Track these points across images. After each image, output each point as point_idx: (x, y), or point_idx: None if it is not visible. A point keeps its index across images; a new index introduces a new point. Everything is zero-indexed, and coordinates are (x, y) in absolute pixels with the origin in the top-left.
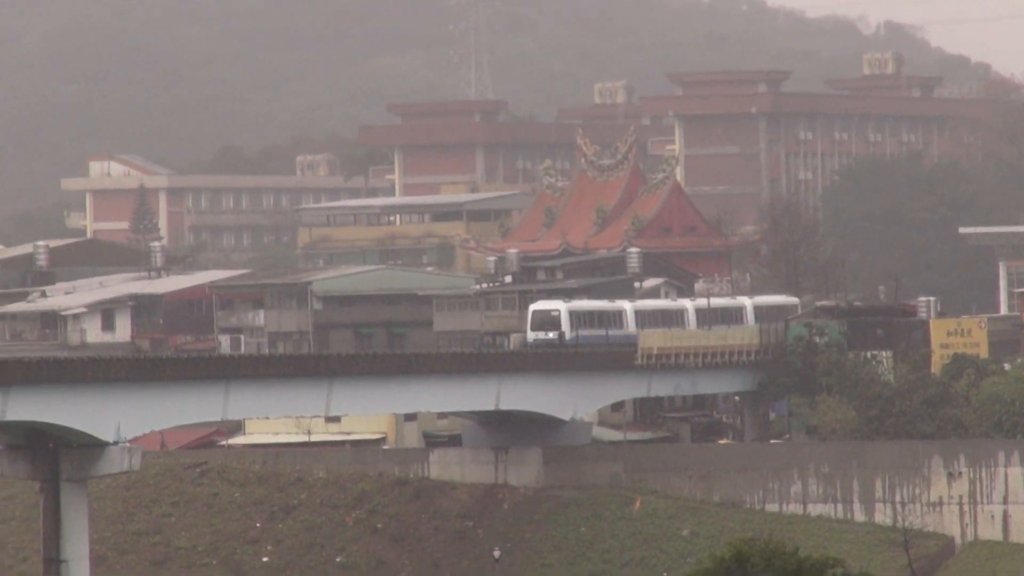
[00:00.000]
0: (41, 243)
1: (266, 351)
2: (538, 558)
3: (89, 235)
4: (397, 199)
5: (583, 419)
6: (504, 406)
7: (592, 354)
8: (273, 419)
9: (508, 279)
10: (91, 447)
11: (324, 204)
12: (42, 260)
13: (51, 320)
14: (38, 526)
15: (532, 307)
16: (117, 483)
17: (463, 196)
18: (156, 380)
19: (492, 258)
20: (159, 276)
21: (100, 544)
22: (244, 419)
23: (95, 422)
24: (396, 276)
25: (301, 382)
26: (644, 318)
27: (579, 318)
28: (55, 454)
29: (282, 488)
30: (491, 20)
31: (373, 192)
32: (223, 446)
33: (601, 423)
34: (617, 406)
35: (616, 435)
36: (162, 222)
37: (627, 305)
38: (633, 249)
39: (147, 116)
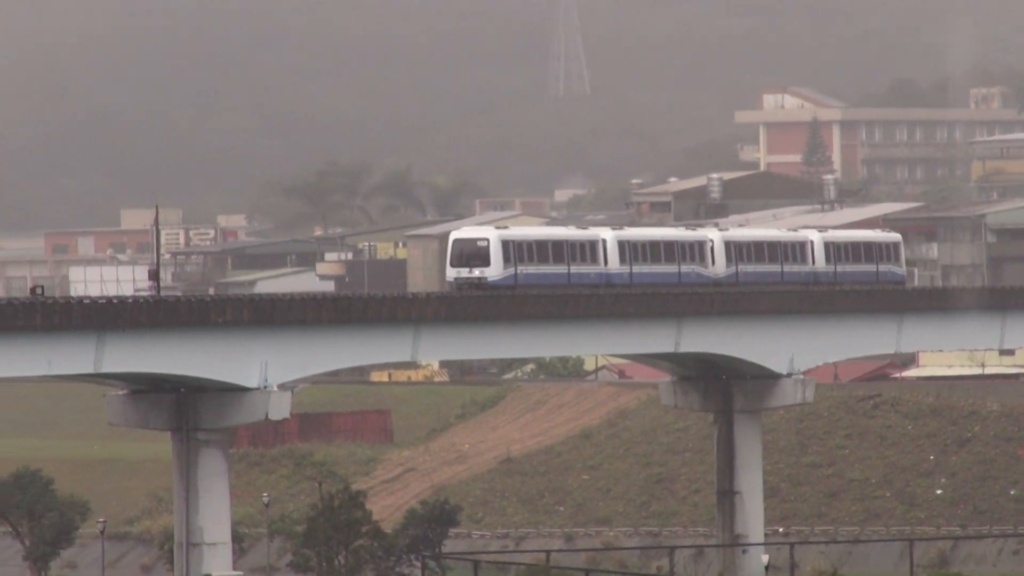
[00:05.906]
0: (715, 175)
1: (939, 284)
2: None
3: (762, 168)
4: None
5: None
6: None
7: None
8: (947, 352)
9: None
10: (764, 379)
11: (998, 137)
12: (715, 192)
13: None
14: (711, 458)
15: (453, 235)
16: (790, 415)
17: None
18: (831, 312)
19: None
20: (832, 209)
21: (773, 476)
22: (917, 352)
23: (768, 354)
24: None
25: (975, 315)
26: (633, 251)
27: (520, 250)
28: (728, 386)
29: (955, 421)
30: None
31: None
32: (896, 379)
33: None
34: None
35: None
36: (835, 155)
37: (607, 234)
38: None
39: (819, 49)
